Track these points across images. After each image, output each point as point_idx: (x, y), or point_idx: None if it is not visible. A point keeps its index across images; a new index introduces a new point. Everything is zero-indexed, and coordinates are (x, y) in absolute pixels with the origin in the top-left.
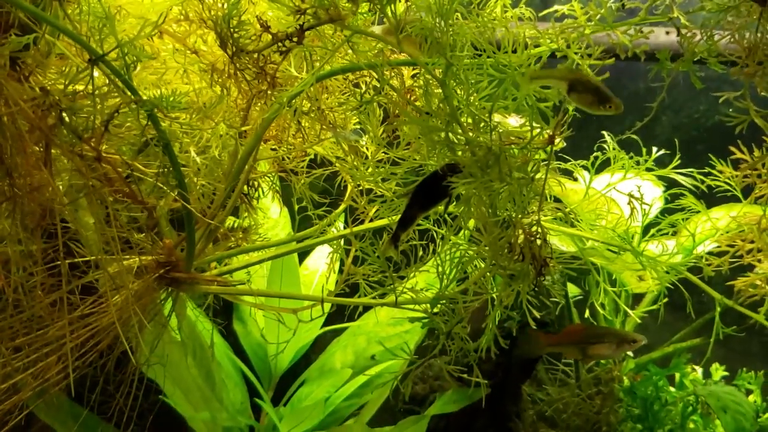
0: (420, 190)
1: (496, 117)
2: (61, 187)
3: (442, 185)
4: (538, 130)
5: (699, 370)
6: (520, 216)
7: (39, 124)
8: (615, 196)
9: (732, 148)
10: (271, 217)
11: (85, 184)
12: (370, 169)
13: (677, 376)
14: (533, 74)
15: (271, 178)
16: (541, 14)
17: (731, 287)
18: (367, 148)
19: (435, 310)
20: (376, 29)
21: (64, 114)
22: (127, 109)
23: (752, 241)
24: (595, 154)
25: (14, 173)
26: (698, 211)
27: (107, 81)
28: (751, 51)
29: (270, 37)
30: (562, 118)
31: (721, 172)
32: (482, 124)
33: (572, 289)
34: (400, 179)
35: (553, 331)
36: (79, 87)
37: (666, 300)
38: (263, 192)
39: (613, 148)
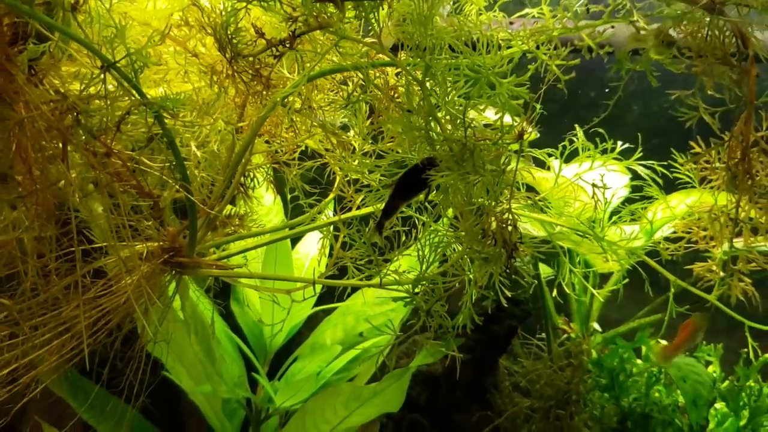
0: (402, 181)
1: (472, 113)
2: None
3: (422, 177)
4: (510, 126)
5: (664, 343)
6: (493, 204)
7: (57, 126)
8: (583, 184)
9: (691, 143)
10: (265, 205)
11: (97, 177)
12: (356, 161)
13: (644, 348)
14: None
15: (266, 170)
16: (512, 17)
17: (693, 266)
18: (353, 141)
19: (416, 290)
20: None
21: (79, 116)
22: (136, 111)
23: (705, 228)
24: (564, 143)
25: (33, 169)
26: (657, 198)
27: (115, 83)
28: (700, 53)
29: (264, 42)
30: (531, 115)
31: (681, 164)
32: (458, 121)
33: (546, 270)
34: (385, 170)
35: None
36: (92, 90)
37: (627, 281)
38: (258, 182)
39: (582, 140)
